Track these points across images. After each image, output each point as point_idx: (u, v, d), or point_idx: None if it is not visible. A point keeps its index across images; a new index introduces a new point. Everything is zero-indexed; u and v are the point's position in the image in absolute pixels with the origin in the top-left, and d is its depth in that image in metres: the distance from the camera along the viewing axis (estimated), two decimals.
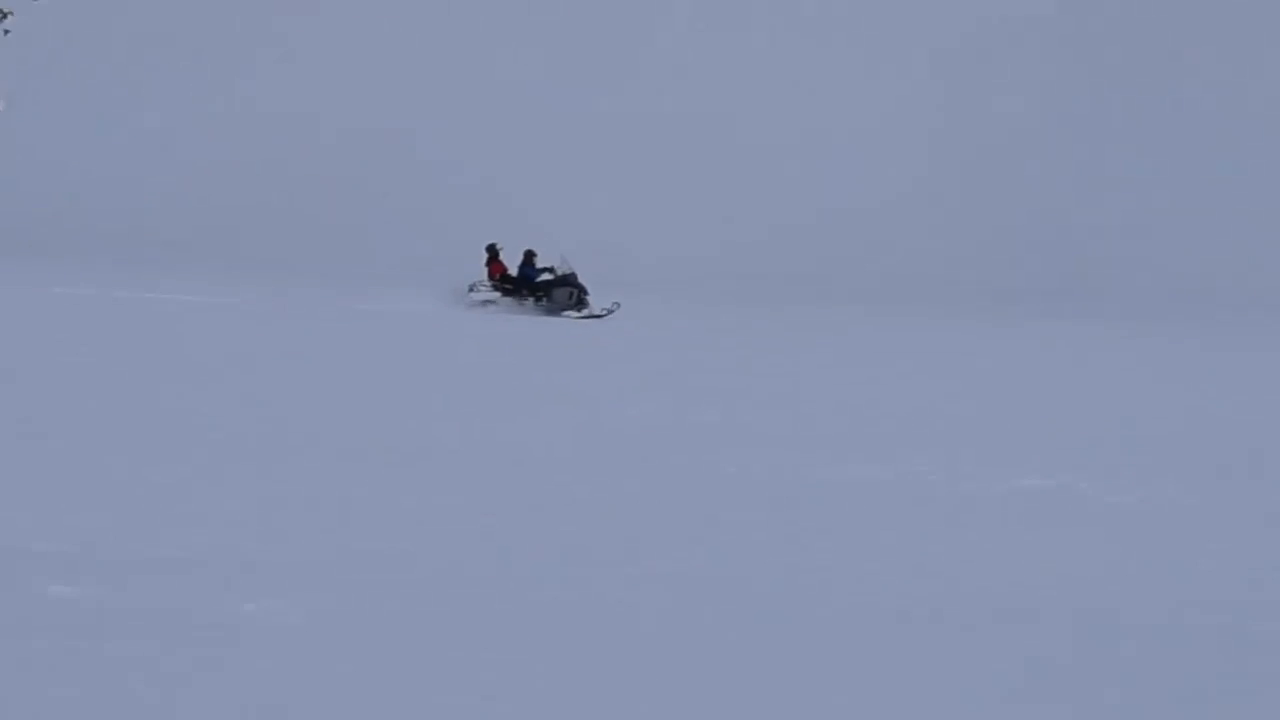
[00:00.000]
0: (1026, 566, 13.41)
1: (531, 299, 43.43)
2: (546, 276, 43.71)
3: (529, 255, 43.94)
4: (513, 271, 43.95)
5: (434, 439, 19.52)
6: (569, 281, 43.39)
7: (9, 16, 32.25)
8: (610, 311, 42.15)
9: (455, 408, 23.06)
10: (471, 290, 43.72)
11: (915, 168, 59.41)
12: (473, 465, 17.61)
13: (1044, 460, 19.83)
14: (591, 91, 61.37)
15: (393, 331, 36.73)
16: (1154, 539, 15.14)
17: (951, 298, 51.51)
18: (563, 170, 59.00)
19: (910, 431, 22.09)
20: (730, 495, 16.36)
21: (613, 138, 60.09)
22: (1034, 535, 14.99)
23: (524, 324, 40.23)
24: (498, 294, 43.61)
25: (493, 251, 44.18)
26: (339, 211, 56.78)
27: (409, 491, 15.78)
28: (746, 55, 62.29)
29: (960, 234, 56.94)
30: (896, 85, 61.71)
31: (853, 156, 59.63)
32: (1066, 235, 57.82)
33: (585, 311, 42.69)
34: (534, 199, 57.08)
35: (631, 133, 60.30)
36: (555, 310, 42.91)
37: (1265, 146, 60.43)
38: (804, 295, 50.15)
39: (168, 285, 43.44)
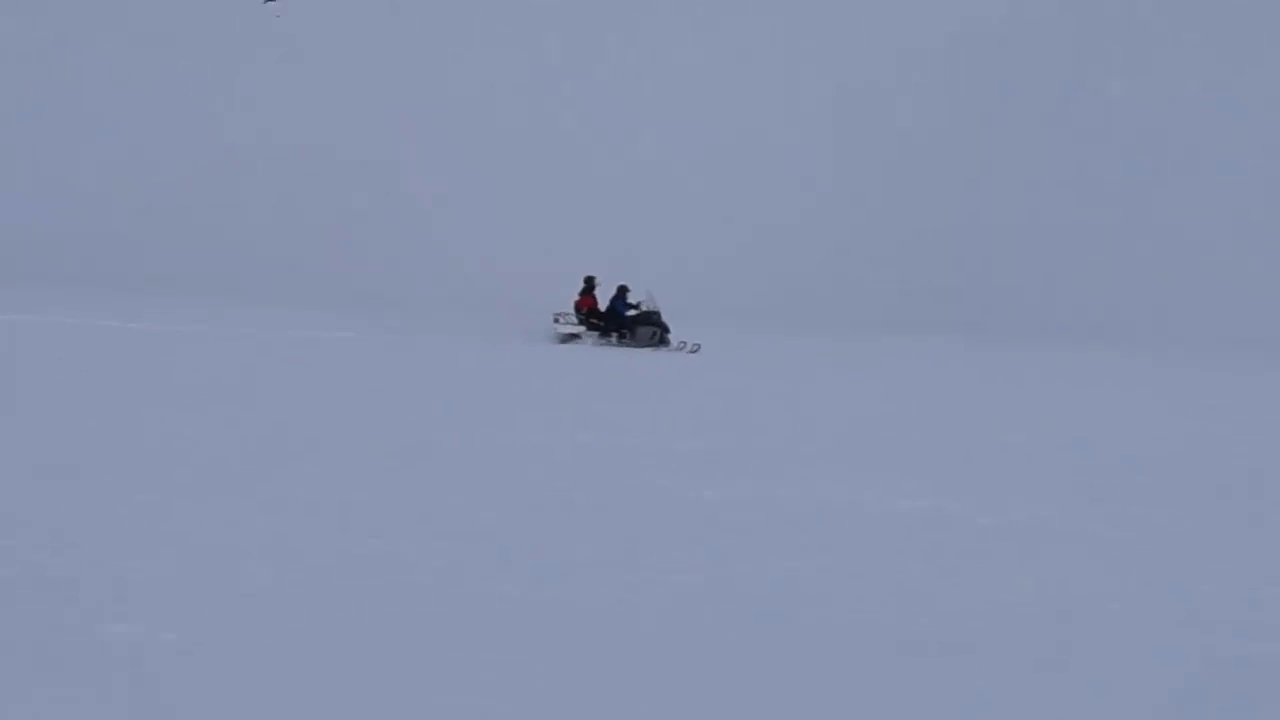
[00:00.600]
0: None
1: (615, 335, 42.94)
2: (631, 313, 43.20)
3: (623, 290, 43.41)
4: (602, 306, 43.52)
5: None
6: (652, 320, 42.83)
7: None
8: (692, 351, 41.44)
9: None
10: (556, 321, 43.35)
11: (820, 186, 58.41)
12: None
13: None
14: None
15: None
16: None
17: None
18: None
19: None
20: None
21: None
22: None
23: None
24: (583, 328, 43.18)
25: (590, 284, 43.73)
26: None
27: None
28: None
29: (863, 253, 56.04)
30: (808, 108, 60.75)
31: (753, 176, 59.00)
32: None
33: (666, 350, 42.08)
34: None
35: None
36: (638, 347, 42.38)
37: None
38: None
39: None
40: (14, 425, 21.23)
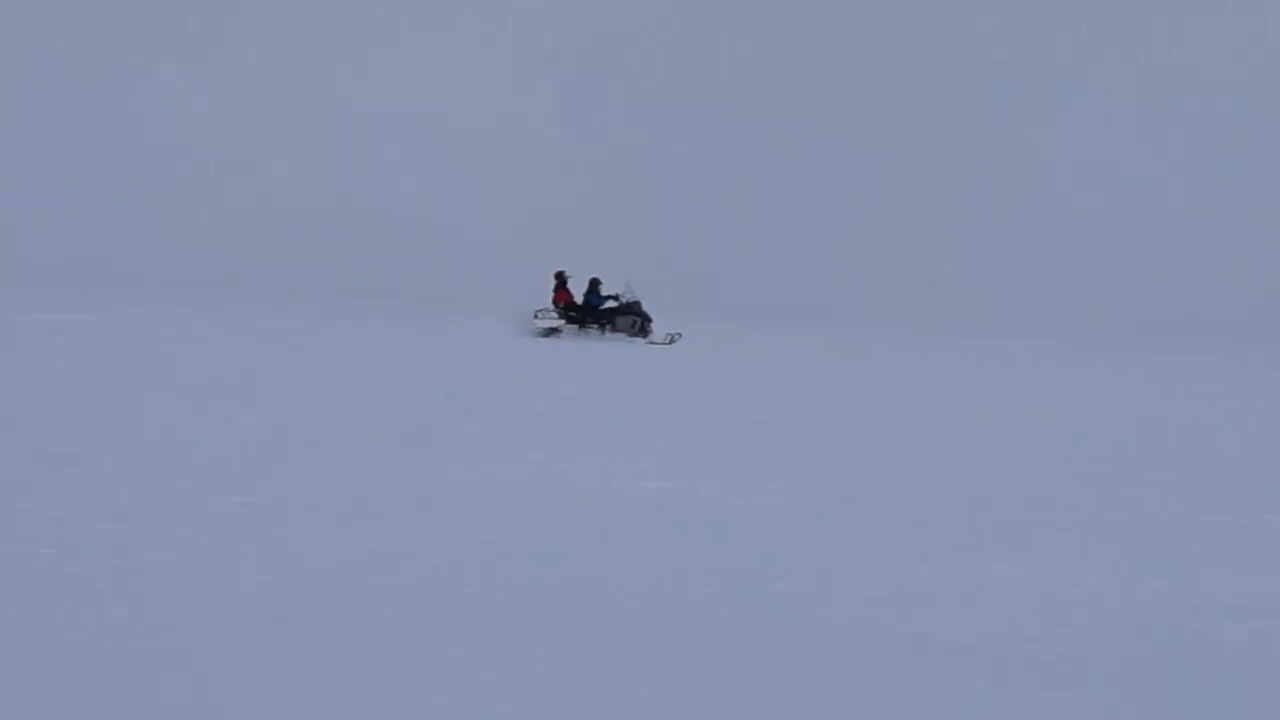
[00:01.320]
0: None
1: (595, 326, 43.90)
2: (611, 304, 44.19)
3: (594, 283, 44.41)
4: (578, 299, 44.48)
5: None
6: (633, 310, 43.83)
7: None
8: (673, 340, 42.49)
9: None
10: (536, 317, 44.20)
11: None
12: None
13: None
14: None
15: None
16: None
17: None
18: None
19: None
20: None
21: None
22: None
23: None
24: (562, 321, 44.09)
25: (561, 279, 44.65)
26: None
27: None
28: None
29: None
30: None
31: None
32: None
33: (648, 340, 43.10)
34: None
35: None
36: (618, 336, 43.37)
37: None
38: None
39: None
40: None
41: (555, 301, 44.48)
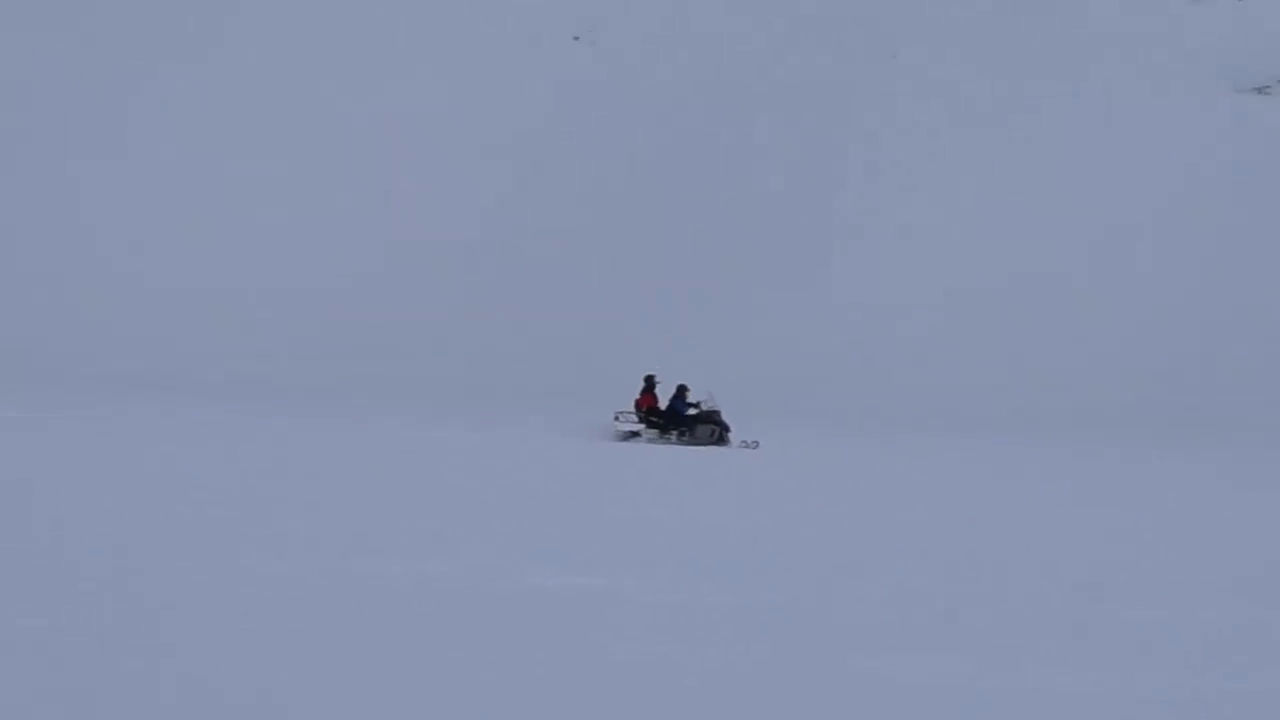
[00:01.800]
0: None
1: (675, 433, 43.23)
2: (692, 411, 43.52)
3: (682, 390, 43.75)
4: (662, 404, 43.87)
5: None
6: (712, 419, 43.10)
7: None
8: (751, 447, 41.62)
9: None
10: (616, 419, 43.67)
11: None
12: None
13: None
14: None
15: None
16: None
17: None
18: None
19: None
20: None
21: None
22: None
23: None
24: (643, 426, 43.49)
25: (649, 383, 44.09)
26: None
27: None
28: None
29: None
30: None
31: None
32: None
33: (726, 448, 42.29)
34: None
35: None
36: (697, 444, 42.63)
37: None
38: None
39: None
40: None
41: (639, 405, 43.91)
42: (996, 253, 60.85)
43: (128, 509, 22.35)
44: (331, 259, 59.47)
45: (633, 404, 44.14)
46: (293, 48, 64.63)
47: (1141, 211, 61.89)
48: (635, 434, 43.30)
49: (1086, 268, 60.39)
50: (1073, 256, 60.56)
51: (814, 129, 65.04)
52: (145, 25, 64.55)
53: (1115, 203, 62.17)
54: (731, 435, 42.84)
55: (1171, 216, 61.44)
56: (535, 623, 15.69)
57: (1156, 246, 60.41)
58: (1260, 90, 66.10)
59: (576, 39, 67.32)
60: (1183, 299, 58.44)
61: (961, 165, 64.25)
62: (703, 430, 43.08)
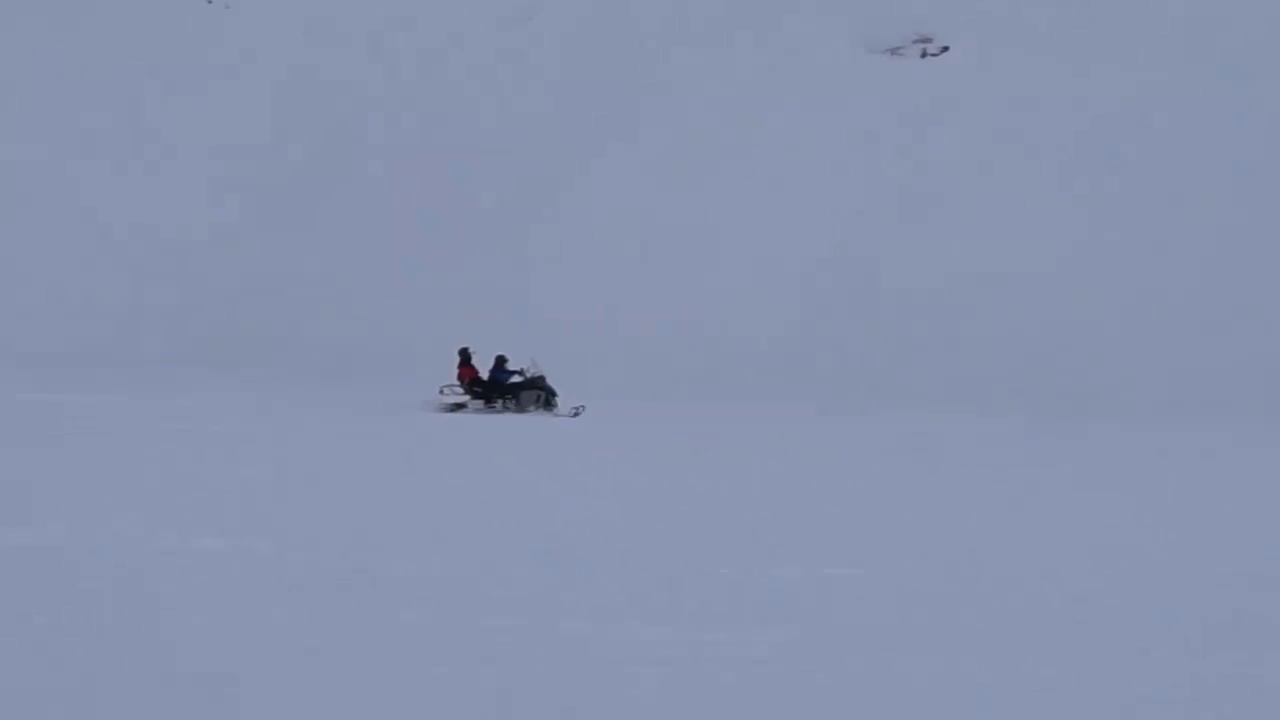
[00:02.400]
0: None
1: (500, 401, 43.95)
2: (517, 379, 44.29)
3: (500, 360, 44.52)
4: (483, 375, 44.54)
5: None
6: (537, 384, 43.92)
7: None
8: (576, 413, 42.51)
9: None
10: (441, 393, 44.22)
11: None
12: None
13: None
14: None
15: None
16: None
17: None
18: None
19: None
20: None
21: None
22: None
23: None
24: (468, 397, 44.12)
25: (465, 356, 44.74)
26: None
27: None
28: None
29: None
30: None
31: None
32: None
33: (553, 414, 43.13)
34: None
35: None
36: (523, 411, 43.42)
37: None
38: None
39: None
40: None
41: (460, 378, 44.52)
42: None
43: None
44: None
45: (455, 377, 44.70)
46: None
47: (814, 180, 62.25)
48: (461, 405, 43.90)
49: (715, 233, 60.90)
50: (695, 222, 60.83)
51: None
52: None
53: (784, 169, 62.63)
54: (558, 400, 43.68)
55: (832, 183, 62.06)
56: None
57: (805, 217, 60.88)
58: (893, 52, 67.22)
59: None
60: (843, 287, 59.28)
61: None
62: (528, 396, 43.88)
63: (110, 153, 62.01)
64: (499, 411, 43.55)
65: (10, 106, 63.27)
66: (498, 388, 44.16)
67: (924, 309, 56.05)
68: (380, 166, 62.30)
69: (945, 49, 67.11)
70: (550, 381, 44.09)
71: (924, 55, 66.84)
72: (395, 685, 12.09)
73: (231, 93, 64.66)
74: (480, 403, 44.00)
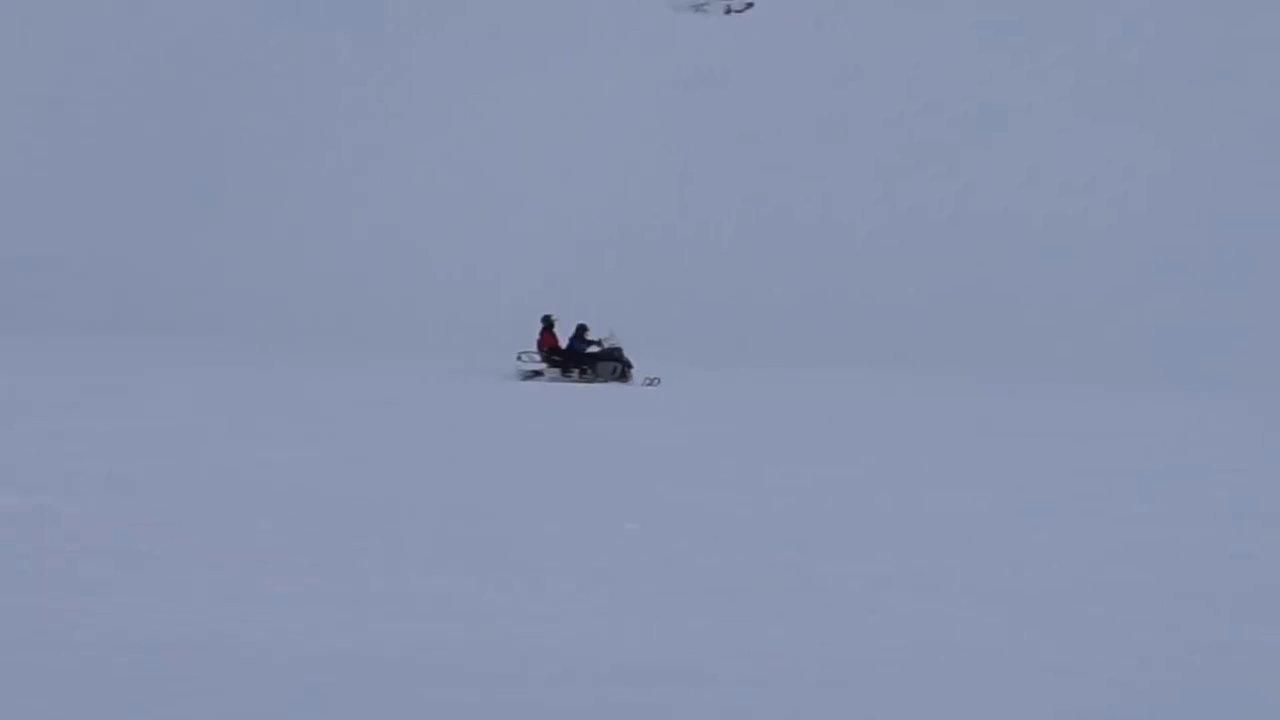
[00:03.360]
0: None
1: (576, 371, 44.25)
2: (594, 349, 44.56)
3: (581, 329, 44.80)
4: (563, 343, 44.86)
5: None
6: (614, 356, 44.16)
7: None
8: (651, 384, 42.72)
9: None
10: (519, 359, 44.62)
11: None
12: None
13: None
14: None
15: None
16: None
17: None
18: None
19: None
20: None
21: None
22: None
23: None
24: (545, 365, 44.47)
25: (547, 323, 45.07)
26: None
27: None
28: None
29: None
30: None
31: None
32: None
33: (628, 384, 43.38)
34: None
35: None
36: (600, 382, 43.70)
37: None
38: None
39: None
40: None
41: (540, 345, 44.89)
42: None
43: None
44: None
45: (534, 344, 45.09)
46: None
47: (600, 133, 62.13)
48: (538, 373, 44.28)
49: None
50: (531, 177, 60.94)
51: None
52: None
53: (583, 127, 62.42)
54: (633, 372, 43.90)
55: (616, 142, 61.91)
56: None
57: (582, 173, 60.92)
58: (697, 8, 66.88)
59: None
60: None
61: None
62: (604, 367, 44.14)
63: None
64: (574, 381, 43.84)
65: None
66: (575, 357, 44.45)
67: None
68: None
69: (749, 5, 66.88)
70: (627, 353, 44.32)
71: (728, 11, 66.77)
72: None
73: None
74: (556, 371, 44.33)
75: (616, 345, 44.36)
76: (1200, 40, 63.83)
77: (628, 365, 43.96)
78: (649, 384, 42.80)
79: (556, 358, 44.59)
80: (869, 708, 10.79)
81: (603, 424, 32.25)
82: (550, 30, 65.12)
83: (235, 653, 11.43)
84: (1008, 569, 16.10)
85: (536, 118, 62.79)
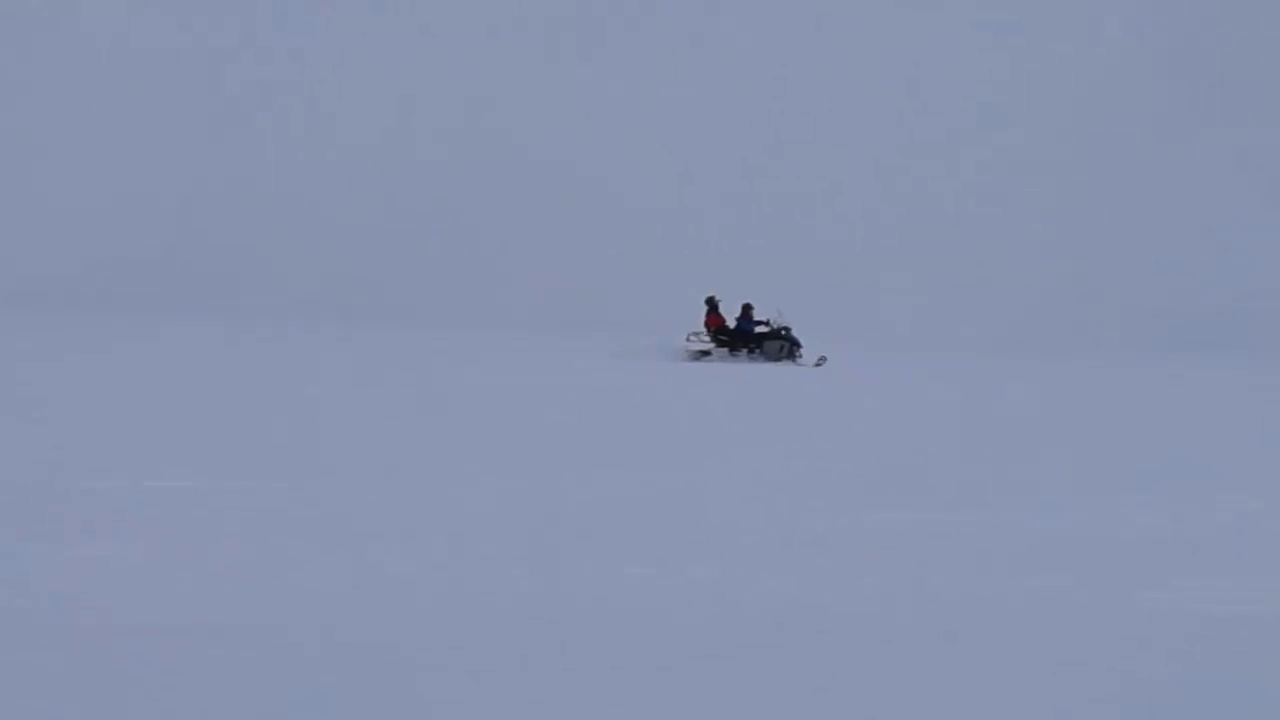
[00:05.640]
0: None
1: (745, 350, 45.01)
2: (762, 329, 45.30)
3: (746, 309, 45.55)
4: (730, 323, 45.63)
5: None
6: (781, 335, 44.89)
7: None
8: (820, 364, 43.44)
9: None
10: (688, 340, 45.43)
11: None
12: None
13: None
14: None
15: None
16: None
17: None
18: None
19: None
20: None
21: None
22: None
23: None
24: (713, 345, 45.26)
25: (712, 304, 45.85)
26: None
27: None
28: None
29: None
30: None
31: None
32: None
33: (797, 364, 44.11)
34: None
35: None
36: (767, 361, 44.45)
37: None
38: None
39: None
40: None
41: (707, 325, 45.67)
42: None
43: None
44: None
45: (702, 324, 45.89)
46: None
47: None
48: (706, 353, 45.10)
49: None
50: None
51: None
52: None
53: None
54: (802, 351, 44.63)
55: None
56: None
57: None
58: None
59: None
60: None
61: None
62: (771, 346, 44.90)
63: None
64: (743, 360, 44.60)
65: None
66: (743, 336, 45.20)
67: None
68: None
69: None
70: (795, 332, 45.05)
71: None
72: None
73: None
74: (725, 350, 45.11)
75: (784, 325, 45.09)
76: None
77: (796, 344, 44.67)
78: (819, 364, 43.50)
79: (724, 337, 45.37)
80: None
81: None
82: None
83: None
84: None
85: None
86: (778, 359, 44.56)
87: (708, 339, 45.53)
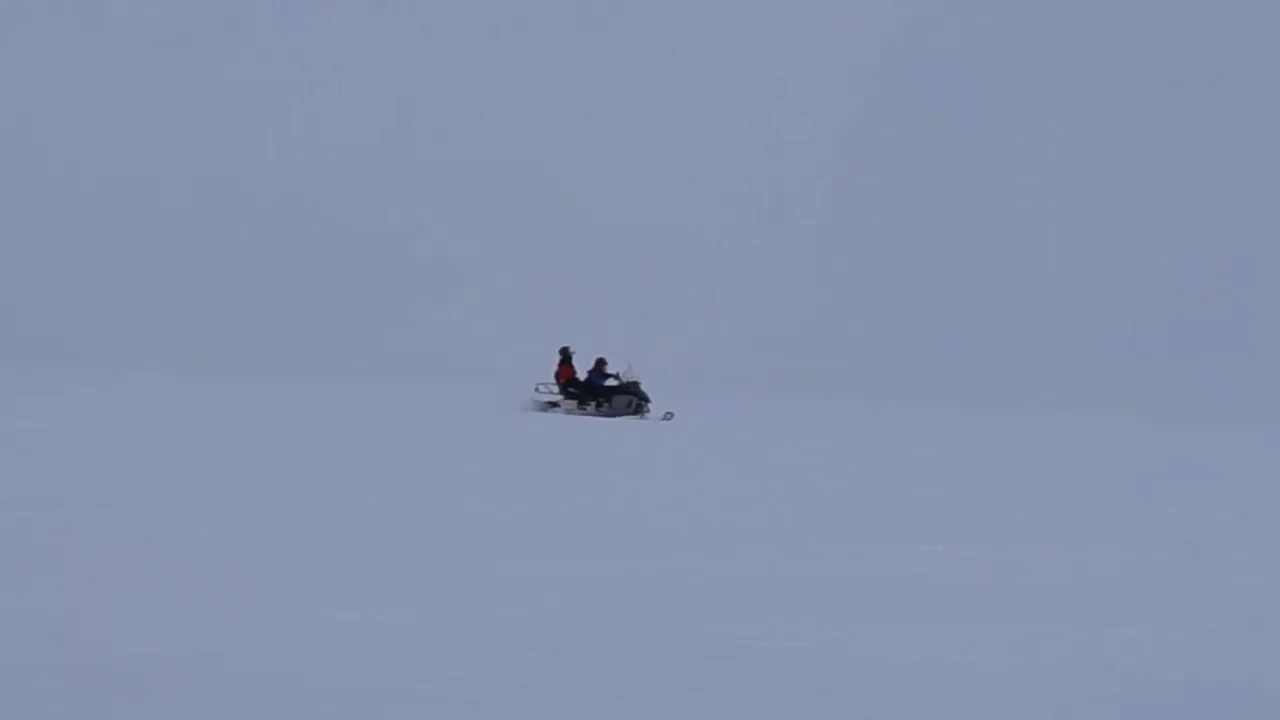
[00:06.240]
0: None
1: (593, 404, 44.14)
2: (612, 383, 44.43)
3: (600, 363, 44.68)
4: (581, 376, 44.76)
5: None
6: (630, 390, 44.04)
7: None
8: (667, 418, 42.63)
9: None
10: (537, 390, 44.56)
11: None
12: None
13: None
14: None
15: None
16: None
17: None
18: None
19: None
20: None
21: None
22: None
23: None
24: (561, 397, 44.39)
25: (565, 355, 44.98)
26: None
27: None
28: None
29: None
30: None
31: None
32: None
33: (644, 418, 43.26)
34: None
35: None
36: (615, 415, 43.56)
37: None
38: None
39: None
40: None
41: (557, 377, 44.81)
42: None
43: None
44: None
45: (553, 376, 45.04)
46: None
47: None
48: (555, 404, 44.22)
49: None
50: None
51: None
52: None
53: None
54: (650, 406, 43.76)
55: None
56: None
57: None
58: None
59: None
60: None
61: None
62: (620, 401, 44.00)
63: None
64: (589, 414, 43.72)
65: None
66: (592, 390, 44.35)
67: None
68: None
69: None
70: (645, 388, 44.22)
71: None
72: None
73: None
74: (573, 403, 44.24)
75: (634, 379, 44.26)
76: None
77: (644, 399, 43.83)
78: (666, 418, 42.69)
79: (573, 389, 44.51)
80: None
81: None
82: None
83: None
84: None
85: None
86: (625, 414, 43.71)
87: (557, 390, 44.68)
